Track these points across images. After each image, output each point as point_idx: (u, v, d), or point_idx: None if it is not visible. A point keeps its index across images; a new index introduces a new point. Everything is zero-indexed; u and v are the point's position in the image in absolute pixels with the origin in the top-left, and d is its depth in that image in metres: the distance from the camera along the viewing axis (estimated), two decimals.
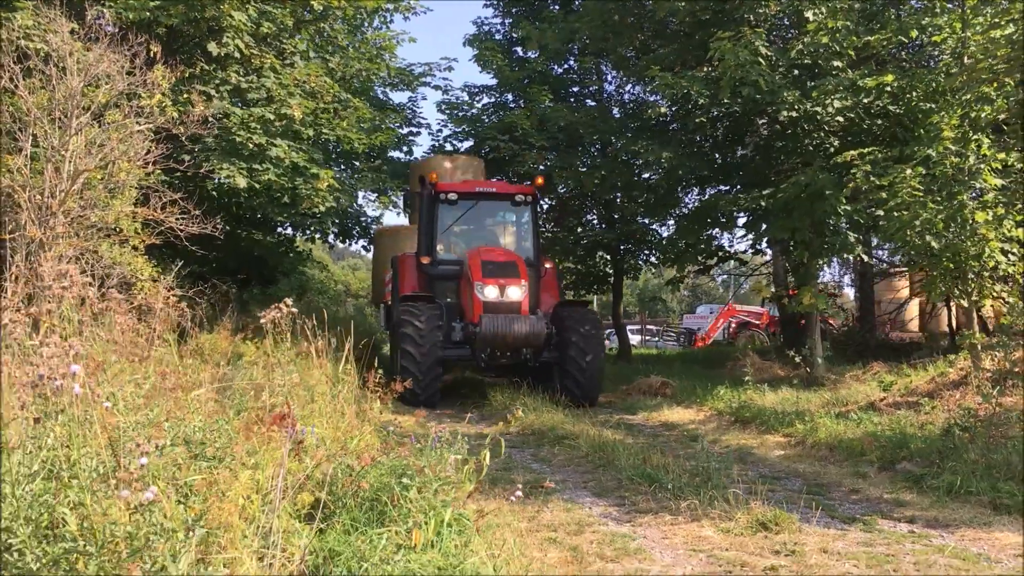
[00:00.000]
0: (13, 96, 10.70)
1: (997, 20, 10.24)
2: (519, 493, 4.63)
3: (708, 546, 5.76)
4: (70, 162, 10.96)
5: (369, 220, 23.07)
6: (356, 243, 24.87)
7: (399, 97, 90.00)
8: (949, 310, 18.88)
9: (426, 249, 14.63)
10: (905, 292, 23.60)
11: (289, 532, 3.97)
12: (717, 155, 17.17)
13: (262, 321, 6.76)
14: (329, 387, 7.21)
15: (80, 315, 3.56)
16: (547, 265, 14.83)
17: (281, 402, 6.28)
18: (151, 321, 11.10)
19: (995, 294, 11.02)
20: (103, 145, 11.10)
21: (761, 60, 12.84)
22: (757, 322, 32.30)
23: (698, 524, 6.27)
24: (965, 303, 11.28)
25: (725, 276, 47.13)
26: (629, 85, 23.25)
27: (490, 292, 13.11)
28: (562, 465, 8.88)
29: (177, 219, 11.35)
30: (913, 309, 23.19)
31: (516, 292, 13.21)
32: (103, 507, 2.53)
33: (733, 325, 32.60)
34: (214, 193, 16.39)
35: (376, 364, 7.71)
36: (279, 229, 23.23)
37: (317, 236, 23.84)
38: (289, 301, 6.70)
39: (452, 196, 14.49)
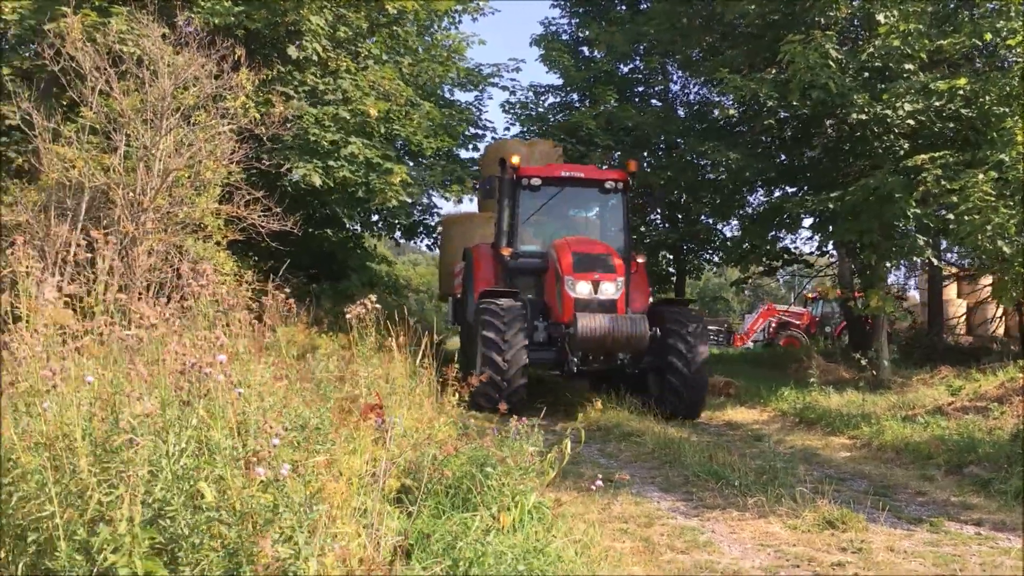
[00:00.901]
0: (108, 98, 11.26)
1: None
2: (599, 483, 4.86)
3: (775, 541, 5.95)
4: (160, 161, 11.50)
5: (436, 218, 23.53)
6: (421, 241, 25.35)
7: (465, 96, 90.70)
8: (1021, 315, 18.63)
9: (507, 239, 13.16)
10: (975, 296, 23.30)
11: (382, 514, 4.28)
12: (784, 156, 17.17)
13: (348, 316, 7.13)
14: (408, 380, 7.54)
15: (214, 309, 3.92)
16: (639, 260, 13.34)
17: (366, 392, 6.65)
18: (232, 313, 11.60)
19: None
20: (191, 145, 11.63)
21: (831, 63, 12.87)
22: (797, 322, 32.04)
23: (765, 520, 6.45)
24: None
25: (788, 277, 46.66)
26: (695, 86, 23.28)
27: (583, 288, 11.80)
28: (629, 461, 9.11)
29: (259, 216, 11.84)
30: (988, 312, 22.85)
31: (612, 288, 11.89)
32: (242, 482, 2.86)
33: (773, 325, 32.31)
34: (289, 190, 16.96)
35: (455, 359, 8.02)
36: (348, 226, 23.77)
37: (384, 233, 24.42)
38: (373, 298, 7.07)
39: (536, 181, 13.14)
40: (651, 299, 13.84)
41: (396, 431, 5.59)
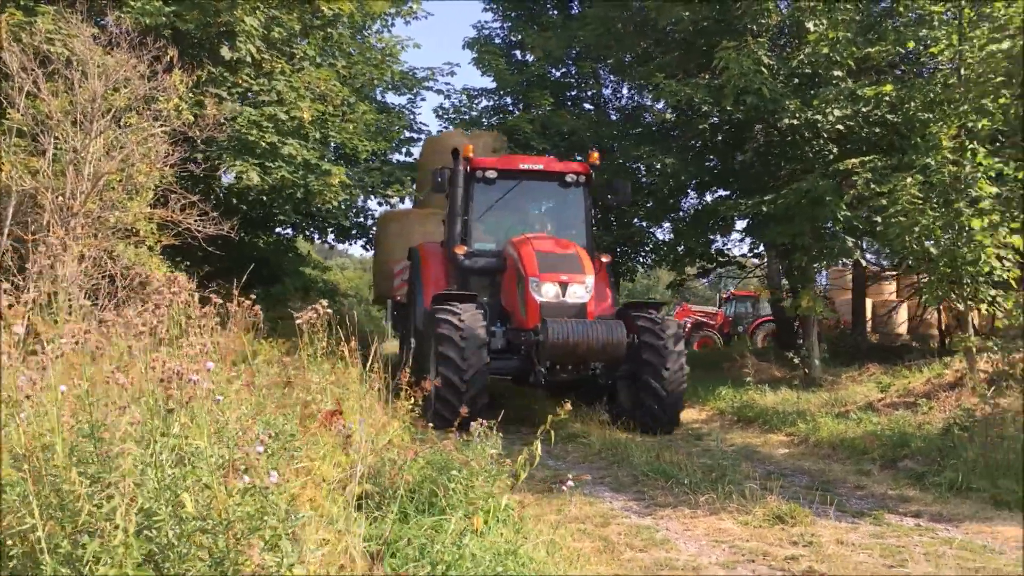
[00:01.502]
0: (36, 99, 10.93)
1: (995, 35, 10.60)
2: (571, 483, 4.90)
3: (729, 537, 6.08)
4: (90, 164, 11.21)
5: (371, 220, 23.32)
6: (355, 243, 25.10)
7: (399, 100, 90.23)
8: (939, 314, 19.29)
9: (460, 237, 12.11)
10: (892, 296, 24.11)
11: (349, 520, 4.25)
12: (717, 160, 17.52)
13: (299, 321, 7.03)
14: (359, 385, 7.48)
15: (185, 318, 3.84)
16: (603, 259, 12.52)
17: (319, 399, 6.57)
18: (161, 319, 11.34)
19: (990, 299, 11.38)
20: (123, 147, 11.35)
21: (764, 69, 13.19)
22: (711, 323, 32.73)
23: (717, 517, 6.58)
24: (961, 307, 11.63)
25: (714, 279, 47.53)
26: (628, 90, 23.58)
27: (549, 290, 10.78)
28: (577, 462, 9.19)
29: (196, 220, 11.61)
30: (903, 313, 23.63)
31: (581, 291, 10.91)
32: (227, 490, 2.81)
33: (688, 325, 32.96)
34: (222, 195, 16.68)
35: (404, 364, 7.96)
36: (279, 230, 23.46)
37: (316, 236, 24.16)
38: (325, 302, 7.00)
39: (491, 174, 12.21)
40: (615, 302, 12.84)
41: (356, 437, 5.56)
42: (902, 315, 23.41)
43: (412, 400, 6.71)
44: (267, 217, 20.78)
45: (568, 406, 5.09)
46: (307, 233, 23.83)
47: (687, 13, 14.91)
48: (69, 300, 4.02)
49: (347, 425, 5.21)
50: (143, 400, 3.04)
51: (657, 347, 10.72)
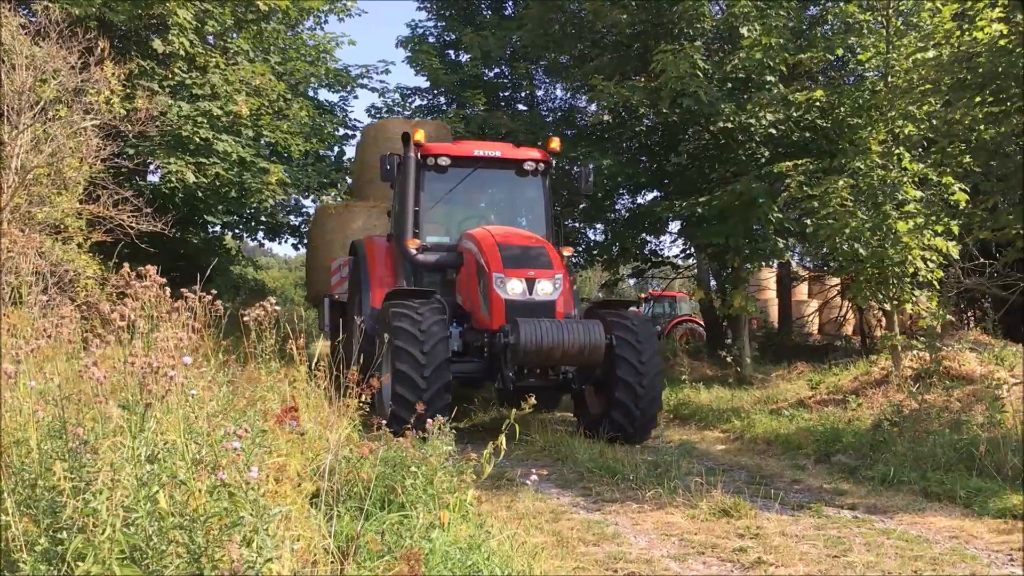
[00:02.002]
0: None
1: (922, 44, 11.01)
2: (534, 477, 4.94)
3: (678, 531, 6.20)
4: (17, 158, 10.87)
5: (302, 219, 23.02)
6: (284, 242, 24.75)
7: (331, 97, 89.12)
8: (860, 313, 19.90)
9: (411, 230, 11.10)
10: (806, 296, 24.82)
11: (315, 516, 4.22)
12: (651, 162, 17.77)
13: (246, 319, 6.92)
14: (306, 384, 7.40)
15: (157, 312, 3.75)
16: (565, 252, 11.62)
17: (268, 397, 6.49)
18: (92, 318, 11.08)
19: (914, 299, 11.81)
20: (52, 140, 11.03)
21: (699, 73, 13.45)
22: None
23: (664, 511, 6.70)
24: (887, 307, 12.03)
25: (639, 281, 48.10)
26: (560, 91, 23.75)
27: (515, 287, 9.95)
28: (521, 459, 9.23)
29: (129, 216, 11.35)
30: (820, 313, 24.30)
31: (550, 287, 10.07)
32: (205, 486, 2.77)
33: None
34: (149, 192, 16.31)
35: (340, 362, 7.87)
36: (209, 228, 23.03)
37: (245, 235, 23.75)
38: (273, 299, 6.91)
39: (443, 161, 11.30)
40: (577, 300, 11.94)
41: (311, 434, 5.52)
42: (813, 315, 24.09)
43: (360, 398, 6.68)
44: (193, 214, 20.39)
45: (532, 400, 5.10)
46: (235, 231, 23.41)
47: (624, 16, 15.11)
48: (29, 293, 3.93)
49: (301, 423, 5.18)
50: (120, 395, 2.97)
51: (634, 350, 9.99)
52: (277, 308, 6.94)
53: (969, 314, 18.70)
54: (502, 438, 4.62)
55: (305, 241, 22.09)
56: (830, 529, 6.40)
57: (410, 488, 4.66)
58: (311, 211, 21.73)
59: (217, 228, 22.99)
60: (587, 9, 15.78)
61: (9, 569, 2.51)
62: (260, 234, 23.42)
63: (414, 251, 11.00)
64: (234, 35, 16.24)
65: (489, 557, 3.98)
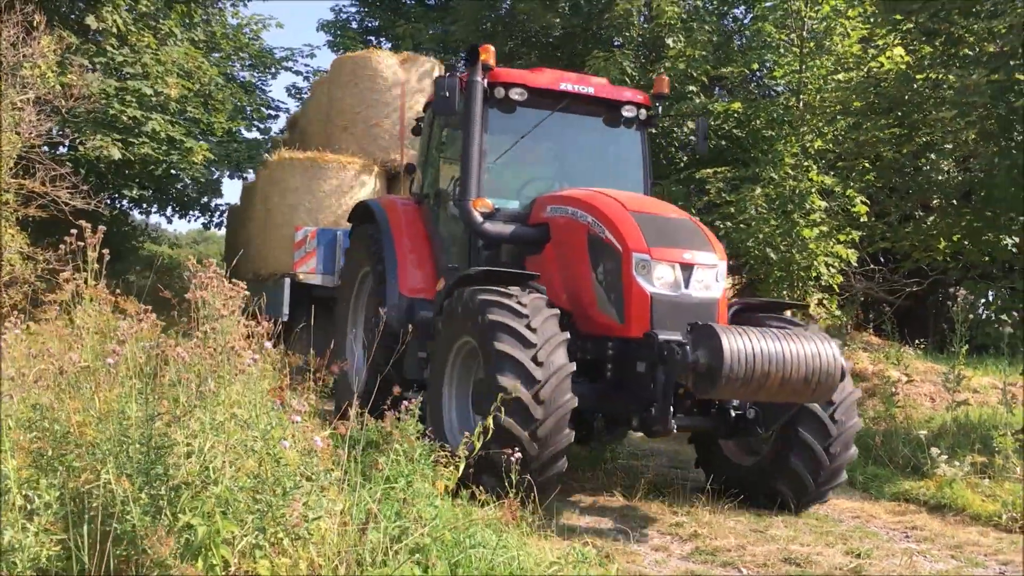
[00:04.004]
0: None
1: (832, 67, 11.95)
2: (518, 455, 5.39)
3: (618, 505, 6.86)
4: None
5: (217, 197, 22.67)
6: (195, 220, 24.40)
7: (251, 77, 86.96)
8: None
9: (477, 187, 7.70)
10: None
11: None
12: None
13: (188, 297, 7.12)
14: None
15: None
16: None
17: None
18: (11, 294, 11.06)
19: (817, 300, 12.80)
20: None
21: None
22: None
23: (608, 491, 7.32)
24: None
25: None
26: None
27: (664, 276, 6.77)
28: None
29: (69, 192, 11.35)
30: None
31: (711, 279, 6.96)
32: (274, 454, 3.19)
33: None
34: (81, 168, 16.12)
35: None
36: (116, 203, 22.61)
37: (153, 211, 23.38)
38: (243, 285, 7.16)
39: (517, 94, 7.99)
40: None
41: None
42: None
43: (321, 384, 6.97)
44: (100, 189, 20.05)
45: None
46: (142, 208, 23.01)
47: (558, 20, 15.70)
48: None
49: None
50: (195, 370, 3.35)
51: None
52: (246, 291, 7.19)
53: (871, 317, 20.02)
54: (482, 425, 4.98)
55: (222, 219, 21.79)
56: (751, 510, 7.12)
57: (396, 464, 5.09)
58: (236, 193, 21.52)
59: (124, 203, 22.60)
60: (522, 10, 16.29)
61: (118, 521, 2.88)
62: (169, 210, 23.13)
63: (480, 218, 7.67)
64: (166, 17, 16.16)
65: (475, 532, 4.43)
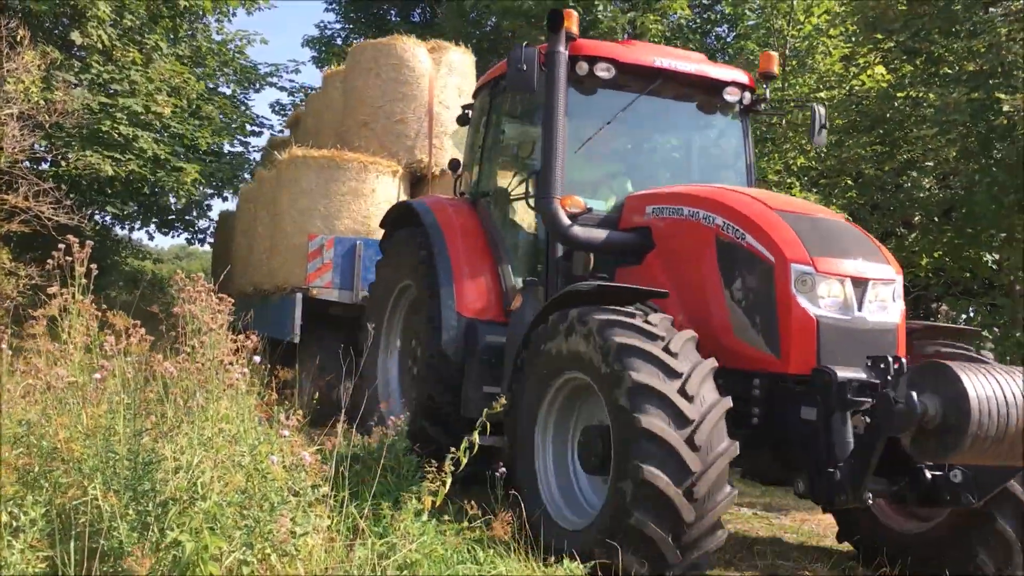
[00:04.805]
0: None
1: (816, 86, 12.10)
2: (503, 470, 5.33)
3: None
4: None
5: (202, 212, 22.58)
6: (179, 236, 24.25)
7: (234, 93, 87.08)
8: None
9: (561, 182, 6.01)
10: None
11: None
12: None
13: (175, 311, 7.06)
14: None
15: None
16: None
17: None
18: None
19: None
20: None
21: None
22: None
23: None
24: None
25: None
26: None
27: (832, 294, 5.29)
28: None
29: (49, 208, 11.31)
30: None
31: (889, 299, 5.49)
32: (262, 469, 3.19)
33: None
34: (63, 184, 16.06)
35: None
36: (97, 219, 22.49)
37: (136, 227, 23.26)
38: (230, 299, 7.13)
39: (604, 70, 6.43)
40: None
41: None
42: None
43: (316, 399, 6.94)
44: (82, 204, 19.99)
45: None
46: (124, 224, 22.91)
47: (543, 37, 15.72)
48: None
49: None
50: (183, 385, 3.35)
51: None
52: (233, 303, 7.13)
53: None
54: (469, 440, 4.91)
55: (207, 237, 21.66)
56: (737, 523, 7.15)
57: (384, 480, 5.10)
58: (217, 211, 21.44)
59: (107, 218, 22.47)
60: (505, 27, 16.39)
61: (105, 538, 2.87)
62: (152, 227, 23.02)
63: (567, 220, 6.16)
64: (150, 32, 16.16)
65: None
